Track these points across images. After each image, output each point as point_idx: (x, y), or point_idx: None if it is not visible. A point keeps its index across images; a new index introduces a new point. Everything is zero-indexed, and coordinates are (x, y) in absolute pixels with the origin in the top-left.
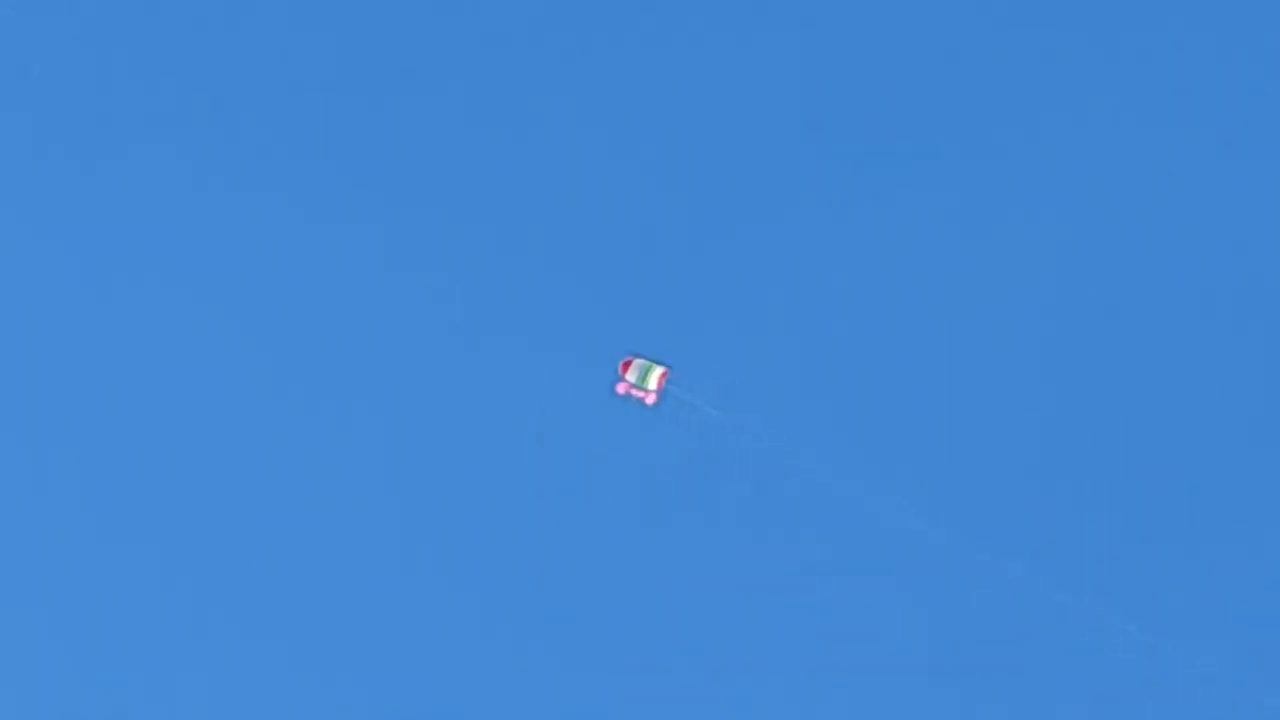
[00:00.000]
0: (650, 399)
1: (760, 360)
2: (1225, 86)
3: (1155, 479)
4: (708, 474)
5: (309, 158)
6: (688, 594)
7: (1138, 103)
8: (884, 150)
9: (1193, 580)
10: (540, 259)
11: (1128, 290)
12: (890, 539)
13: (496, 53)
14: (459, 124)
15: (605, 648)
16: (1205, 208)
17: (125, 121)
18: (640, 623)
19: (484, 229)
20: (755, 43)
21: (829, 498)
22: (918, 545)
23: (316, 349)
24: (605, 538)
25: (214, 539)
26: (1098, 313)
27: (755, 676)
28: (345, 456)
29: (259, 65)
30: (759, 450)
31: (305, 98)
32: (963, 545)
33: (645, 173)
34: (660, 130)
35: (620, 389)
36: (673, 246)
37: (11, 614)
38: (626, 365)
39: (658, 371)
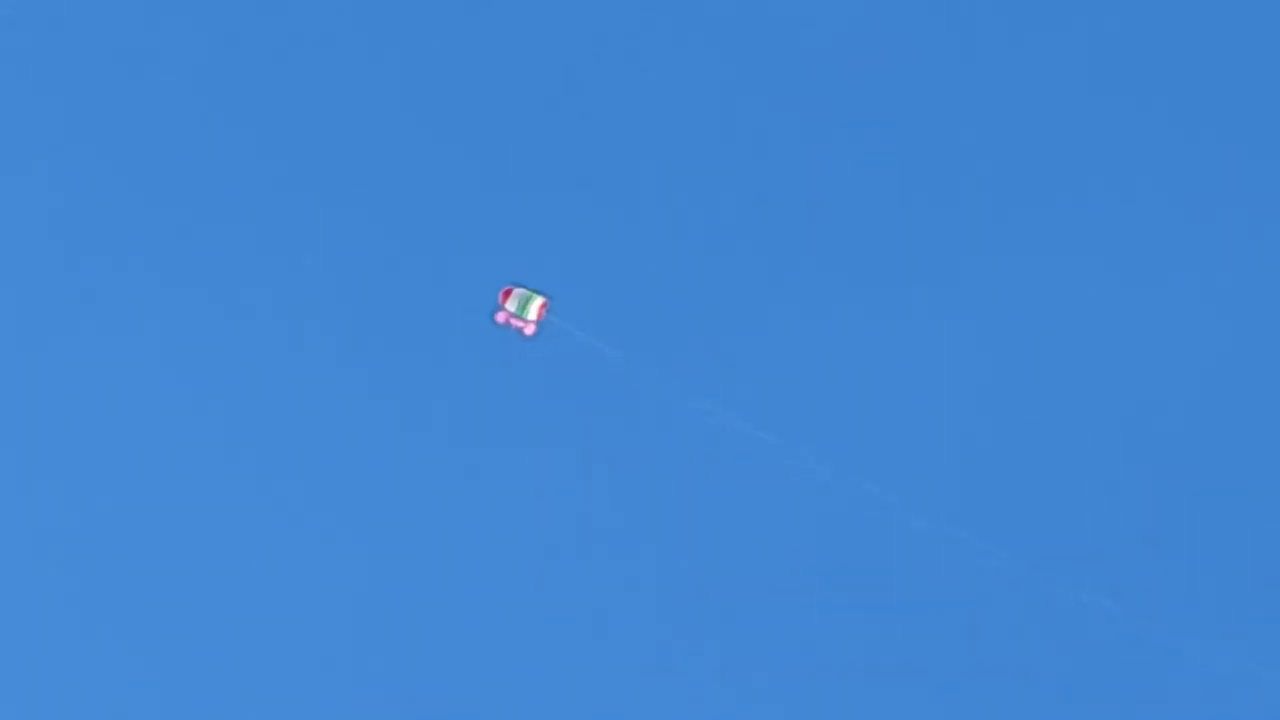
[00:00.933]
0: (529, 329)
1: (651, 300)
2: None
3: (1160, 479)
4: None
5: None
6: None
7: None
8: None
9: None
10: (438, 180)
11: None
12: (793, 487)
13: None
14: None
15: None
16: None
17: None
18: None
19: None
20: None
21: (717, 437)
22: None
23: None
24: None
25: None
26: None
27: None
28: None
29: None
30: (641, 387)
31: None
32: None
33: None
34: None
35: (500, 318)
36: (560, 175)
37: None
38: (507, 294)
39: (538, 301)
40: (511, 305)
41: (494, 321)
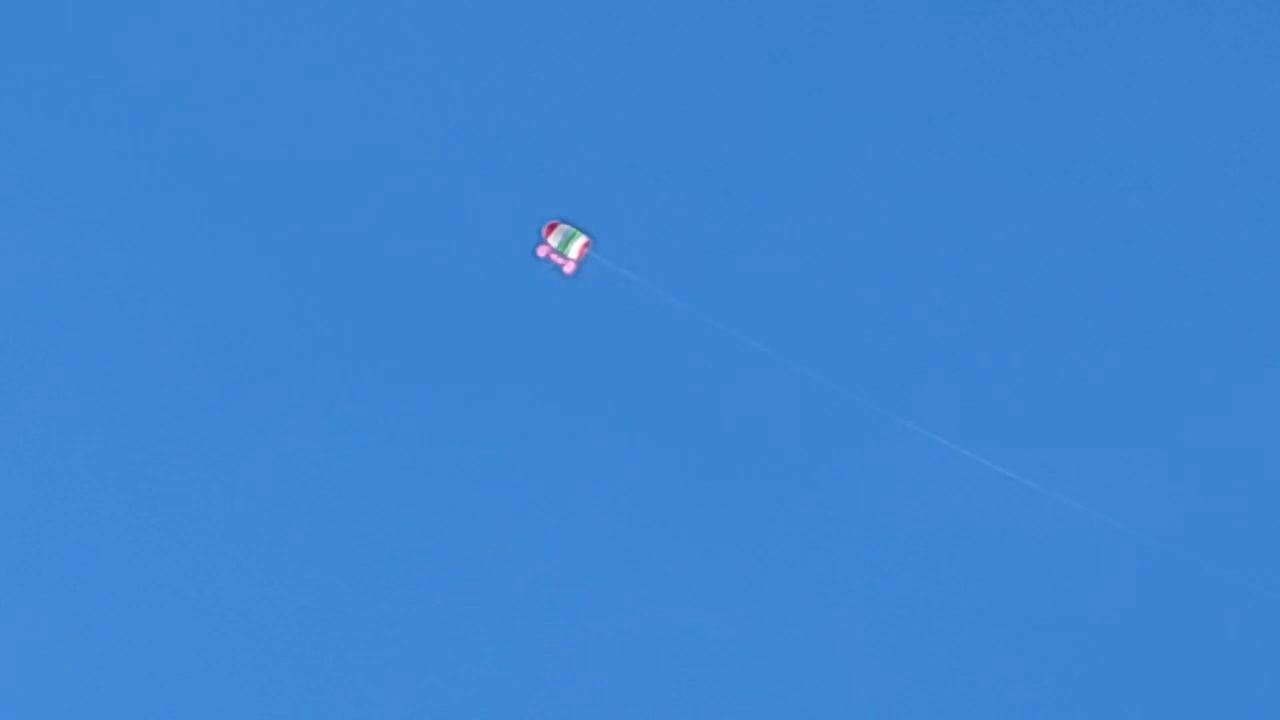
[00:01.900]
0: (569, 267)
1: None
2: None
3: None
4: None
5: None
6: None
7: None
8: None
9: None
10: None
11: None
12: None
13: None
14: None
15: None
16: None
17: None
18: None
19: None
20: None
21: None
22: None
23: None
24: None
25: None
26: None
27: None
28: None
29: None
30: (682, 324)
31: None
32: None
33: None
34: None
35: (541, 251)
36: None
37: None
38: (551, 228)
39: (580, 240)
40: (554, 240)
41: (535, 255)
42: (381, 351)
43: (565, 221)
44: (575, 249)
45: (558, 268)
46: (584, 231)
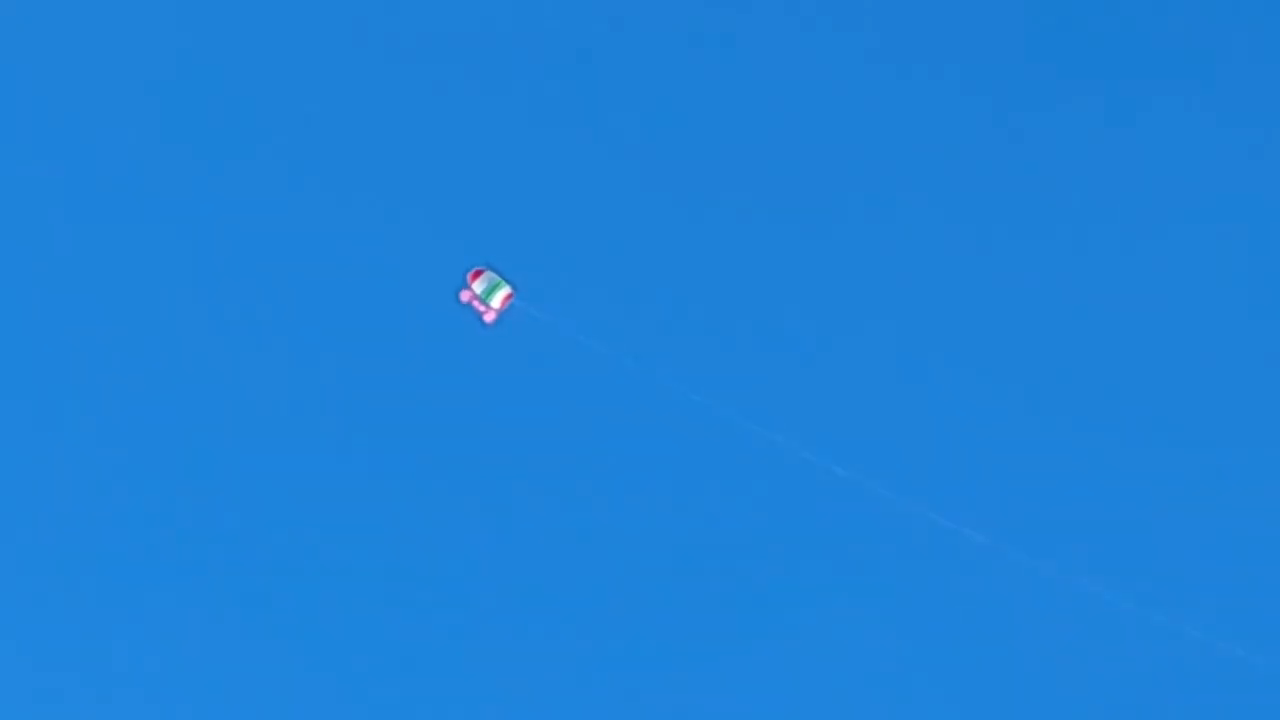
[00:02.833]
0: (490, 316)
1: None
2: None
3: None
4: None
5: None
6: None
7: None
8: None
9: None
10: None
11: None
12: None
13: None
14: None
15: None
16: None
17: None
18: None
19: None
20: None
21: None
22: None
23: None
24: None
25: None
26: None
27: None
28: None
29: None
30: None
31: None
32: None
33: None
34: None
35: (464, 296)
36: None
37: None
38: (476, 275)
39: (503, 291)
40: (478, 287)
41: (458, 299)
42: (298, 387)
43: (491, 269)
44: (498, 299)
45: (479, 315)
46: (509, 282)
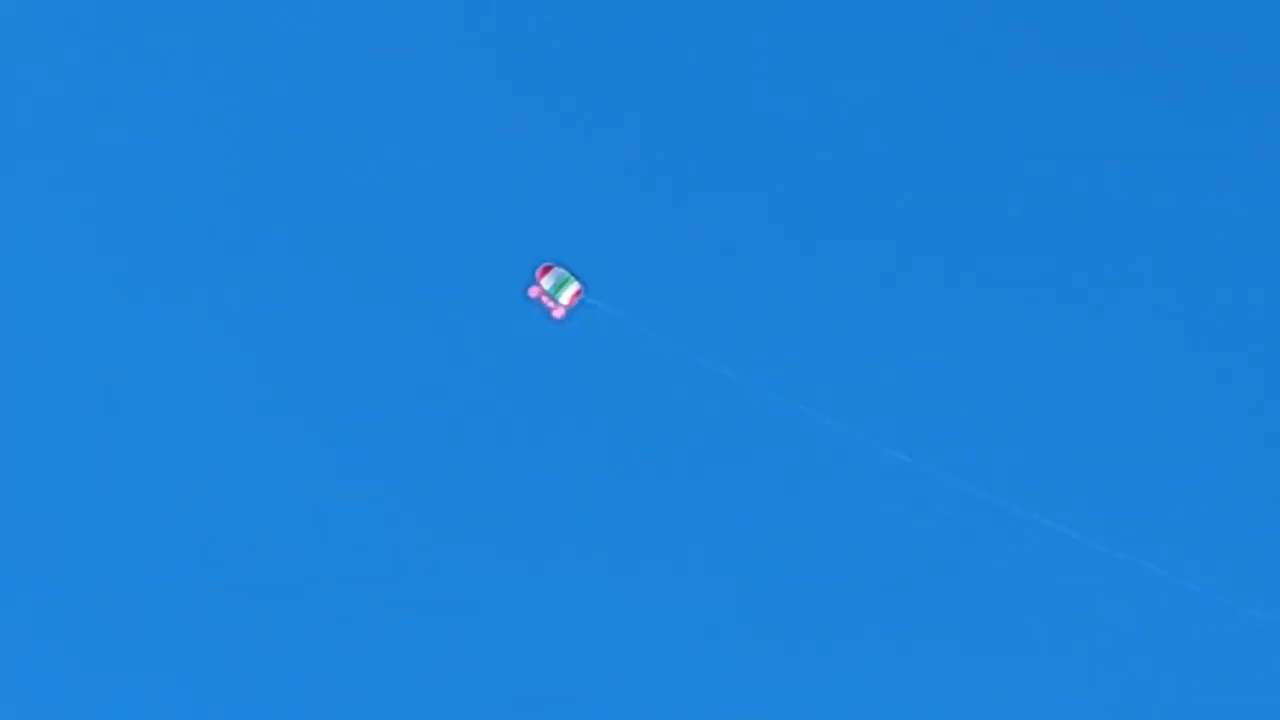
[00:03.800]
0: (558, 312)
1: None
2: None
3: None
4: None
5: None
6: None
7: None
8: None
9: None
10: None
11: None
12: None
13: None
14: None
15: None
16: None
17: None
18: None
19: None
20: None
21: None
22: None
23: None
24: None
25: None
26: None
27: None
28: None
29: None
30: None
31: None
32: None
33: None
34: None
35: (533, 292)
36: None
37: None
38: (545, 270)
39: (572, 288)
40: (547, 283)
41: (527, 294)
42: (365, 381)
43: (560, 265)
44: (567, 295)
45: (547, 310)
46: (577, 278)
